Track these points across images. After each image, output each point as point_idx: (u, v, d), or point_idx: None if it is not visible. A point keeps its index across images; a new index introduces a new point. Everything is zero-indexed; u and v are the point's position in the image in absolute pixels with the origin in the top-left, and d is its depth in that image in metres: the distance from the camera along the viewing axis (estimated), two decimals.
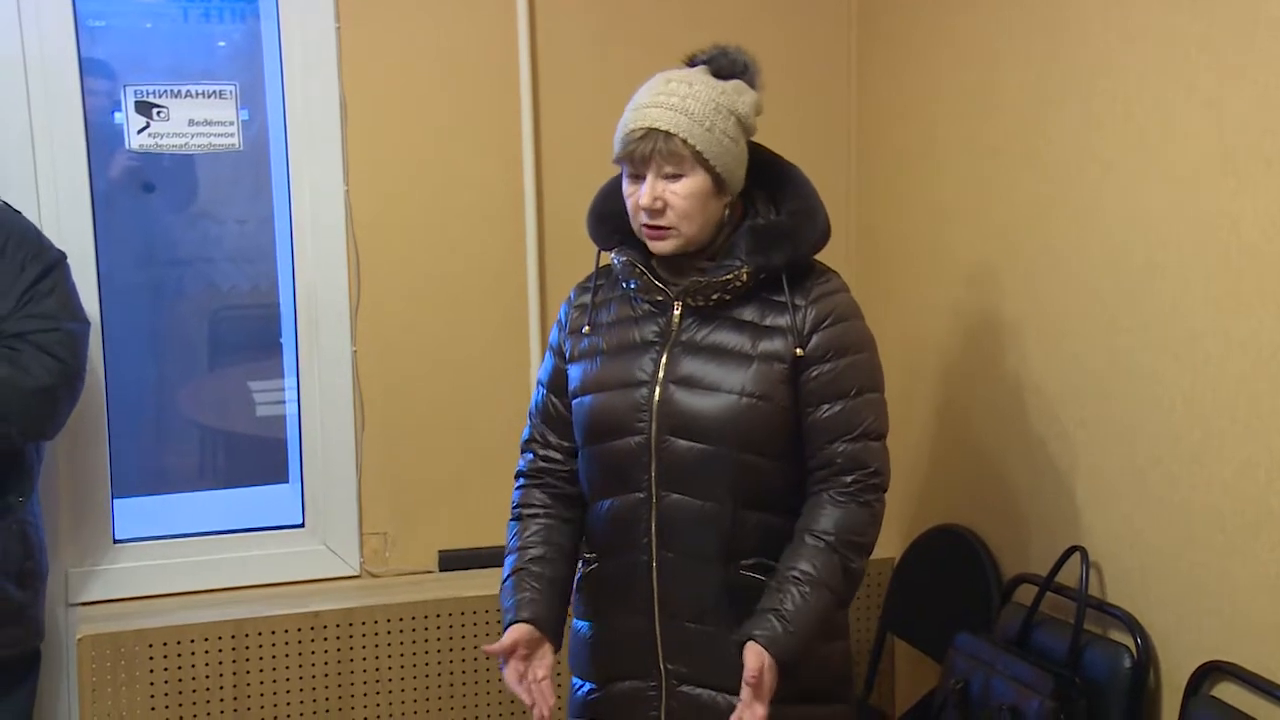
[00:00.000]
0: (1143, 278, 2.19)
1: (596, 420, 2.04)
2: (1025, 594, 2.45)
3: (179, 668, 2.70)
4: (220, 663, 2.72)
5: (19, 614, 2.46)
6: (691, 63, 2.02)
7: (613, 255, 2.08)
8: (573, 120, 2.93)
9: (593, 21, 2.94)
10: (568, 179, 2.92)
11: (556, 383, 2.12)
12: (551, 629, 2.01)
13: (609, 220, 2.07)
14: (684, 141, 1.90)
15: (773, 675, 1.87)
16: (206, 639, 2.70)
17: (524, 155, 2.92)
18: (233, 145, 2.79)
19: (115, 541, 2.84)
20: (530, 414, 2.18)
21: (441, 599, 2.84)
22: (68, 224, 2.69)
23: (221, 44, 3.54)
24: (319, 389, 2.91)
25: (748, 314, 1.99)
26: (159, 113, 2.73)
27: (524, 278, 2.95)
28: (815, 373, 1.96)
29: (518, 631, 1.98)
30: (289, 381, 2.98)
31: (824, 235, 2.02)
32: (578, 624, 2.16)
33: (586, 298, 2.12)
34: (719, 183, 1.95)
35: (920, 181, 2.87)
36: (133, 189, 3.32)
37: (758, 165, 2.04)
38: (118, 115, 2.74)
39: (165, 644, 2.69)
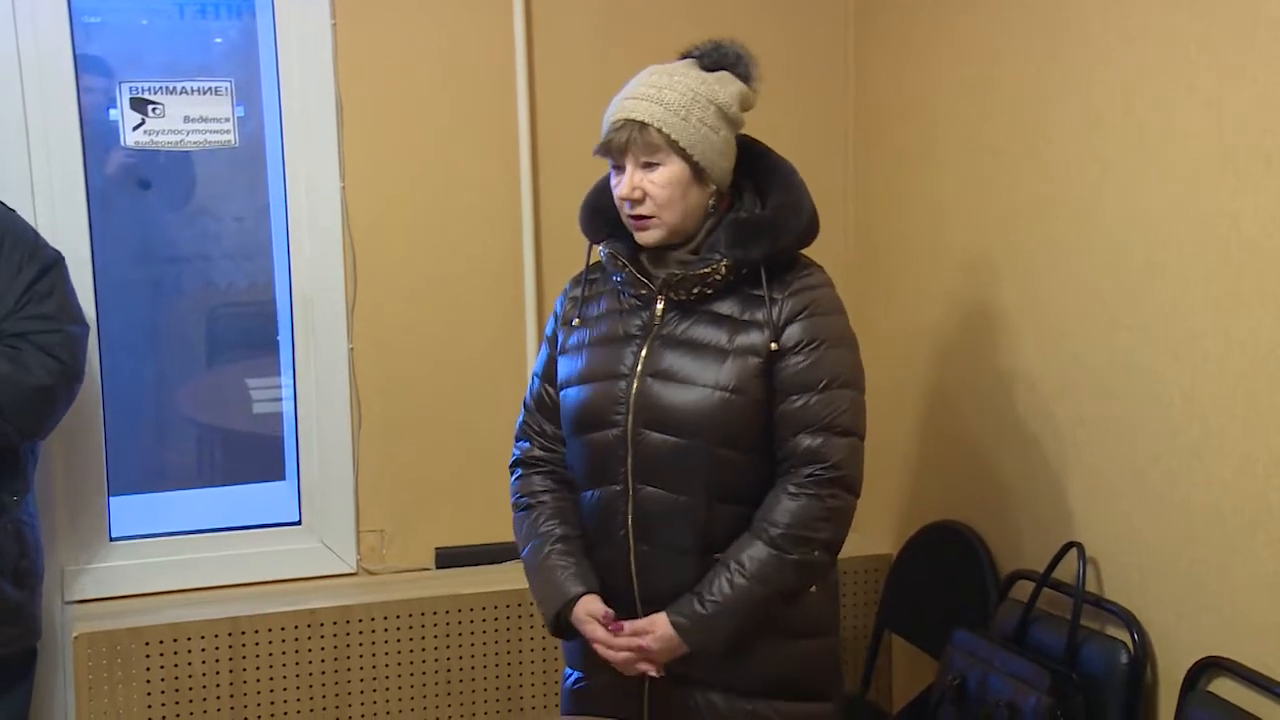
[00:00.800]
0: (1142, 276, 2.19)
1: (580, 412, 2.06)
2: (1022, 590, 2.45)
3: (175, 665, 2.69)
4: (217, 660, 2.71)
5: (15, 612, 2.45)
6: (685, 57, 2.03)
7: (600, 248, 2.09)
8: (569, 118, 2.93)
9: (590, 20, 2.94)
10: (564, 177, 2.91)
11: (550, 372, 2.14)
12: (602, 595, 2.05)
13: (601, 214, 2.09)
14: (659, 131, 1.92)
15: (665, 647, 1.95)
16: (203, 636, 2.70)
17: (521, 153, 2.92)
18: (229, 142, 2.78)
19: (111, 539, 2.83)
20: (525, 403, 2.20)
21: (438, 596, 2.84)
22: (63, 221, 2.68)
23: (217, 40, 3.53)
24: (316, 387, 2.90)
25: (727, 308, 2.00)
26: (154, 109, 2.72)
27: (520, 275, 2.95)
28: (787, 364, 1.97)
29: (593, 601, 2.02)
30: (286, 379, 2.98)
31: (809, 229, 2.02)
32: None
33: (579, 290, 2.14)
34: (698, 171, 1.96)
35: (919, 180, 2.87)
36: (129, 186, 3.31)
37: (749, 159, 2.04)
38: (113, 112, 2.73)
39: (162, 642, 2.68)
